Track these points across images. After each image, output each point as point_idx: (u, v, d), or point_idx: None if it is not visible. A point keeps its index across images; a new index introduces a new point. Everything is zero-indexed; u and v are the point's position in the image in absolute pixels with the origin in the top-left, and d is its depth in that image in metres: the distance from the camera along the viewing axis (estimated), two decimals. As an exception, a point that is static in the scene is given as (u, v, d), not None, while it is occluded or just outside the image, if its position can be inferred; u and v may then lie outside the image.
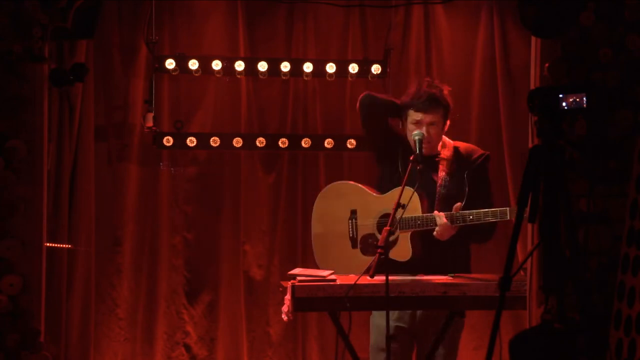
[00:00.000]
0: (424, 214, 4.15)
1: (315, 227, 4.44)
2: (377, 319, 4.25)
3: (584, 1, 4.22)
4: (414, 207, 4.11)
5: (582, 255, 3.97)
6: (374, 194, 4.35)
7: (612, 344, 3.91)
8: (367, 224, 4.32)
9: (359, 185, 4.43)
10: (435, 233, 4.13)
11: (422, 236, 4.19)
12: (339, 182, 4.56)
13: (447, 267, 4.16)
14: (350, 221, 4.35)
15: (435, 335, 4.17)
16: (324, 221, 4.42)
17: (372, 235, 4.30)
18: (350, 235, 4.35)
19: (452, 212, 4.09)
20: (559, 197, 3.09)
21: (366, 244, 4.30)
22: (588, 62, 4.21)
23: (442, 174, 4.25)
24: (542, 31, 4.30)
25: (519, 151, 5.31)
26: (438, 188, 4.23)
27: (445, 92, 4.27)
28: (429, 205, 4.20)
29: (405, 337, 4.20)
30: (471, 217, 4.08)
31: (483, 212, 4.07)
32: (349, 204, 4.38)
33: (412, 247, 4.16)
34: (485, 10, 5.58)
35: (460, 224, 4.09)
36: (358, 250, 4.32)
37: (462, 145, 4.38)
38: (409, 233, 4.16)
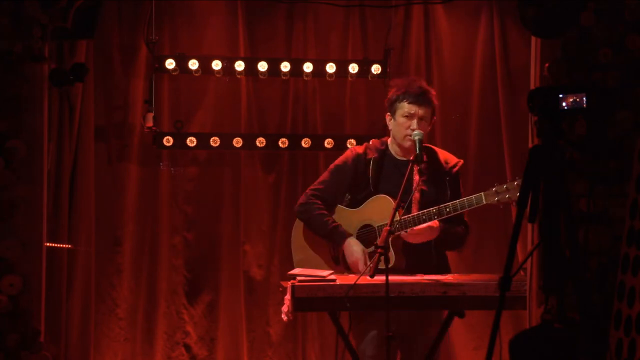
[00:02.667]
0: (401, 218, 4.09)
1: (296, 255, 4.38)
2: (363, 325, 4.19)
3: (584, 1, 4.22)
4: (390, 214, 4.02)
5: (582, 255, 3.97)
6: (350, 209, 4.30)
7: (612, 344, 3.91)
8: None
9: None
10: (404, 234, 4.08)
11: (404, 243, 4.17)
12: None
13: (430, 270, 4.16)
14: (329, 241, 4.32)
15: (419, 337, 4.16)
16: (303, 247, 4.37)
17: None
18: (332, 254, 4.32)
19: (427, 210, 4.08)
20: (559, 197, 3.09)
21: None
22: (588, 62, 4.21)
23: (415, 177, 4.16)
24: (542, 31, 4.30)
25: (519, 151, 5.31)
26: (416, 193, 4.17)
27: (434, 93, 4.26)
28: (404, 209, 4.13)
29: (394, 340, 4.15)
30: (448, 209, 4.06)
31: (459, 202, 4.05)
32: None
33: (395, 254, 4.11)
34: (485, 10, 5.58)
35: (438, 218, 4.07)
36: (341, 268, 4.28)
37: (439, 150, 4.36)
38: (390, 239, 4.08)
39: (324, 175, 4.38)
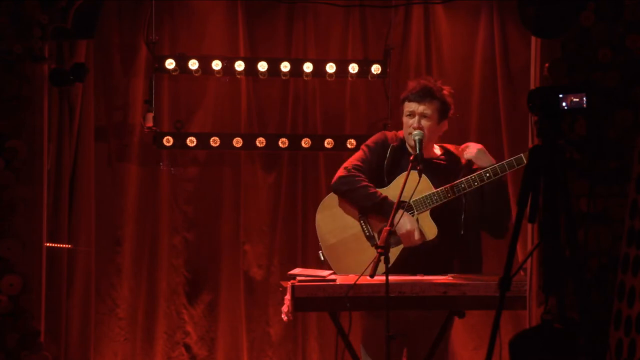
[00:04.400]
0: (438, 189, 4.13)
1: (326, 239, 4.30)
2: (368, 321, 4.22)
3: (584, 1, 4.22)
4: (426, 186, 4.11)
5: (582, 255, 3.97)
6: (380, 189, 4.27)
7: (612, 344, 3.91)
8: (379, 218, 4.24)
9: None
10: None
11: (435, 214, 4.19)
12: None
13: (456, 267, 4.19)
14: (361, 221, 4.27)
15: (426, 336, 4.16)
16: (334, 231, 4.30)
17: None
18: (367, 234, 4.26)
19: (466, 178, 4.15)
20: (559, 197, 3.09)
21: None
22: (588, 62, 4.21)
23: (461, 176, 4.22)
24: (542, 31, 4.30)
25: (519, 151, 5.30)
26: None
27: (445, 91, 4.27)
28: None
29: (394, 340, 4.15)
30: (488, 174, 4.10)
31: (498, 165, 4.14)
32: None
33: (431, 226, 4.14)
34: (485, 10, 5.58)
35: (479, 184, 4.12)
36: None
37: (452, 147, 4.39)
38: (428, 211, 4.14)
39: (359, 154, 4.32)
